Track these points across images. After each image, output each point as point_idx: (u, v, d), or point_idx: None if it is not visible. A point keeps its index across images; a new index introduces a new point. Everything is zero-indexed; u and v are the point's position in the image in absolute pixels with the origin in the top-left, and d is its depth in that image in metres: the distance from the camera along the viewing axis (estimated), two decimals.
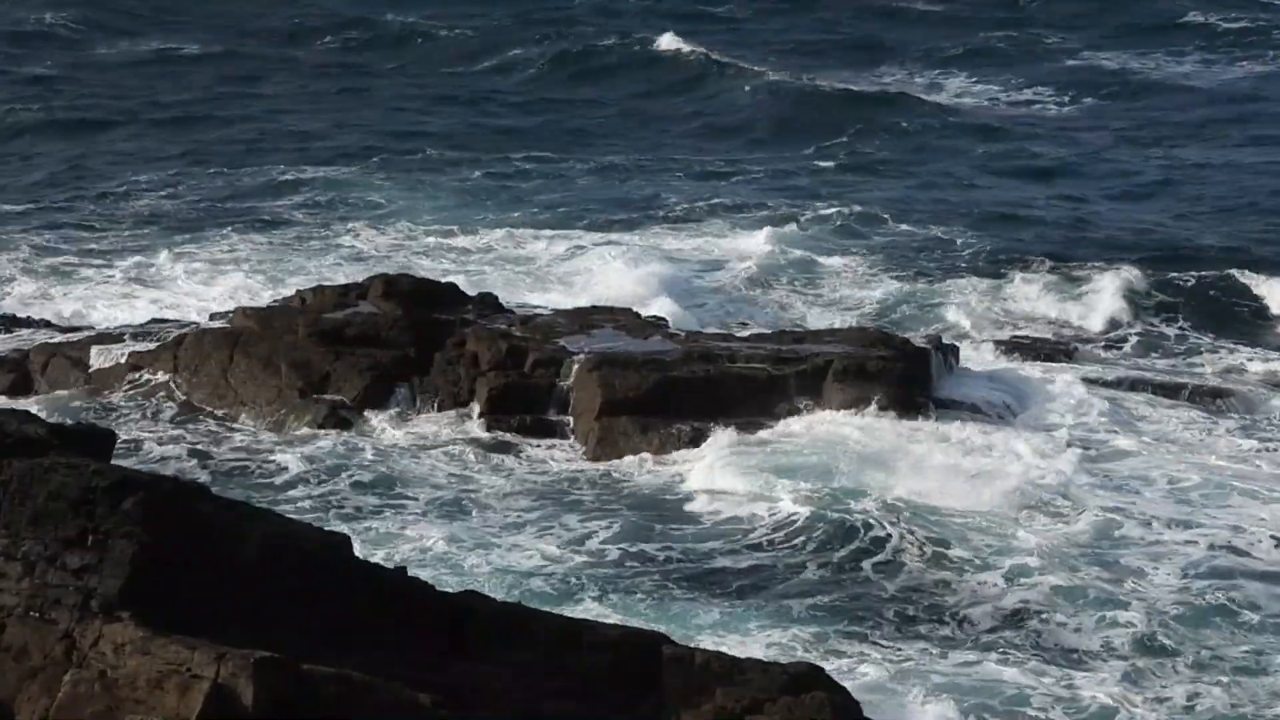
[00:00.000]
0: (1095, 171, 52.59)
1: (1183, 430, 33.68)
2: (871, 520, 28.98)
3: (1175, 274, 42.03)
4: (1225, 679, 24.04)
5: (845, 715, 20.15)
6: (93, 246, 45.11)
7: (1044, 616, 25.85)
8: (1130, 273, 41.58)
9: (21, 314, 38.86)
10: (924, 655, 24.64)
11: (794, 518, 29.08)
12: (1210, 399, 35.24)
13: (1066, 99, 62.28)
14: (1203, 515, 29.65)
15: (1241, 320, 40.45)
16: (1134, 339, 39.43)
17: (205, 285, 42.08)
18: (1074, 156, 54.03)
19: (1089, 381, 35.63)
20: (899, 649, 24.83)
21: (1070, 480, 30.75)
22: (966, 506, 29.31)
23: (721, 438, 31.85)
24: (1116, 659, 24.62)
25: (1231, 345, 39.20)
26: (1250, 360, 38.19)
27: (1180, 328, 40.05)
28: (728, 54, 65.95)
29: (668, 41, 66.36)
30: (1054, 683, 23.92)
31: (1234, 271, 42.11)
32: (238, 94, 62.73)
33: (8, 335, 37.12)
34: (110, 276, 42.56)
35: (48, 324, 38.16)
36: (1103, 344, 39.19)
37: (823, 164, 53.41)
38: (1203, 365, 37.99)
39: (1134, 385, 35.90)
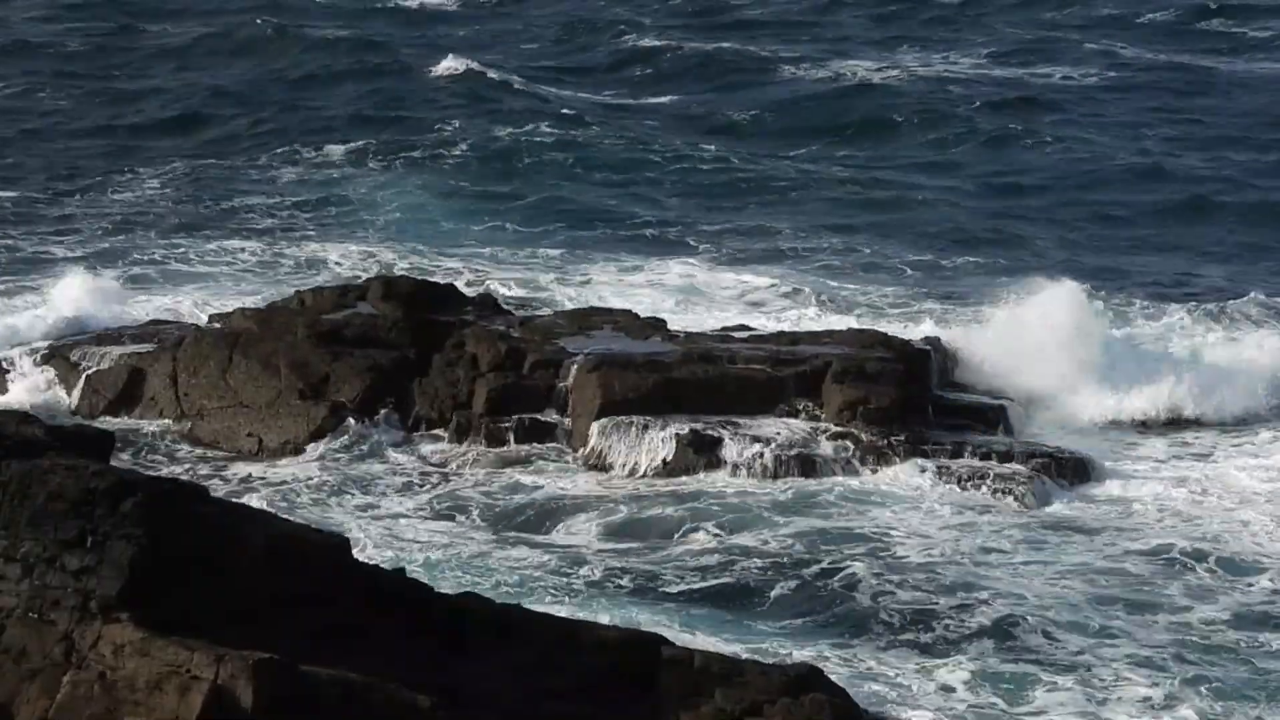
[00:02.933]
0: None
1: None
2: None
3: None
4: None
5: (844, 716, 20.17)
6: (89, 245, 45.08)
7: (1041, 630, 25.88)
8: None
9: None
10: (920, 672, 24.61)
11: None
12: None
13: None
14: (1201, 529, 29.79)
15: None
16: None
17: (203, 285, 42.09)
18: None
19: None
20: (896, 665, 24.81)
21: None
22: None
23: None
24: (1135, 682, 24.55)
25: None
26: None
27: None
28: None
29: None
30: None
31: None
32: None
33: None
34: (106, 277, 42.47)
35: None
36: None
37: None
38: None
39: None
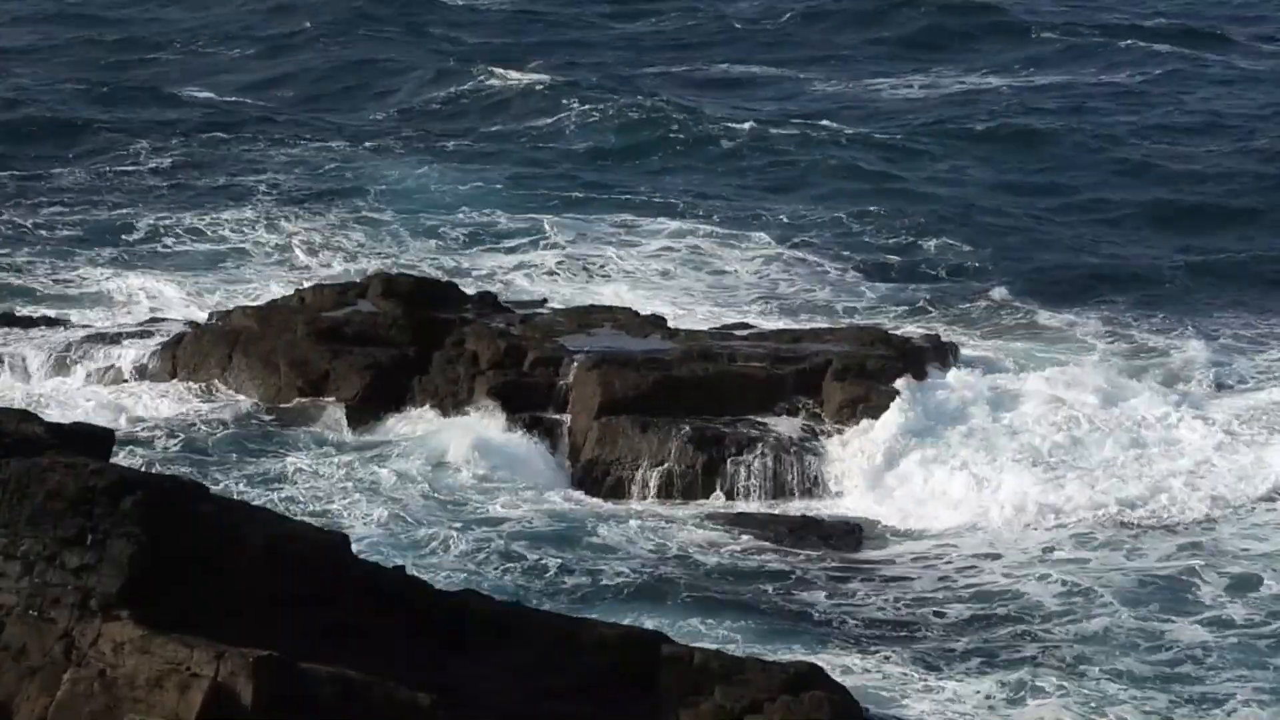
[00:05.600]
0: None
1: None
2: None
3: None
4: None
5: (844, 714, 20.17)
6: (88, 242, 45.11)
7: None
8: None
9: (20, 313, 38.73)
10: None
11: None
12: None
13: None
14: None
15: None
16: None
17: (206, 282, 42.13)
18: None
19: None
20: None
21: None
22: None
23: None
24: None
25: None
26: None
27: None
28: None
29: None
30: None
31: None
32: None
33: (7, 333, 37.02)
34: (108, 275, 42.49)
35: (48, 322, 38.08)
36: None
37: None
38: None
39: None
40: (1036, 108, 58.89)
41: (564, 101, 58.30)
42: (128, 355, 35.23)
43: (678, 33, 71.54)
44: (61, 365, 35.27)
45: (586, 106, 57.50)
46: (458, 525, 28.95)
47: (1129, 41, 68.52)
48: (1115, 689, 24.10)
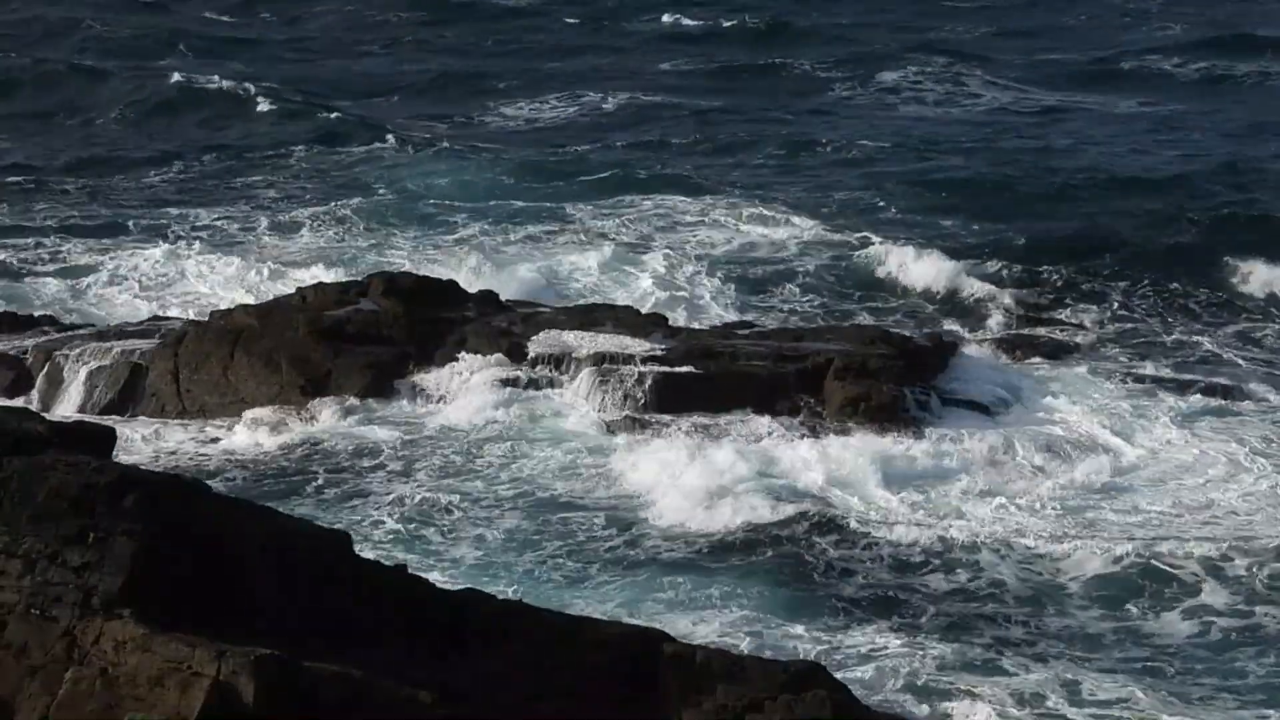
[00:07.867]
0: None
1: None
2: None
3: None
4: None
5: (846, 713, 20.16)
6: (90, 243, 45.20)
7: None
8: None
9: (23, 312, 38.75)
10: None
11: None
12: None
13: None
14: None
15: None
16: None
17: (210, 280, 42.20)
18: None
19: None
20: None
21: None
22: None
23: None
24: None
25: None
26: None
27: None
28: None
29: None
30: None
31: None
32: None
33: (7, 333, 37.03)
34: (108, 273, 42.55)
35: (50, 320, 38.10)
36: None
37: None
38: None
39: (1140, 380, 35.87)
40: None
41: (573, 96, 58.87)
42: (129, 354, 35.33)
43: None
44: (61, 366, 35.30)
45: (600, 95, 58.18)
46: None
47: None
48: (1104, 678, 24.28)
